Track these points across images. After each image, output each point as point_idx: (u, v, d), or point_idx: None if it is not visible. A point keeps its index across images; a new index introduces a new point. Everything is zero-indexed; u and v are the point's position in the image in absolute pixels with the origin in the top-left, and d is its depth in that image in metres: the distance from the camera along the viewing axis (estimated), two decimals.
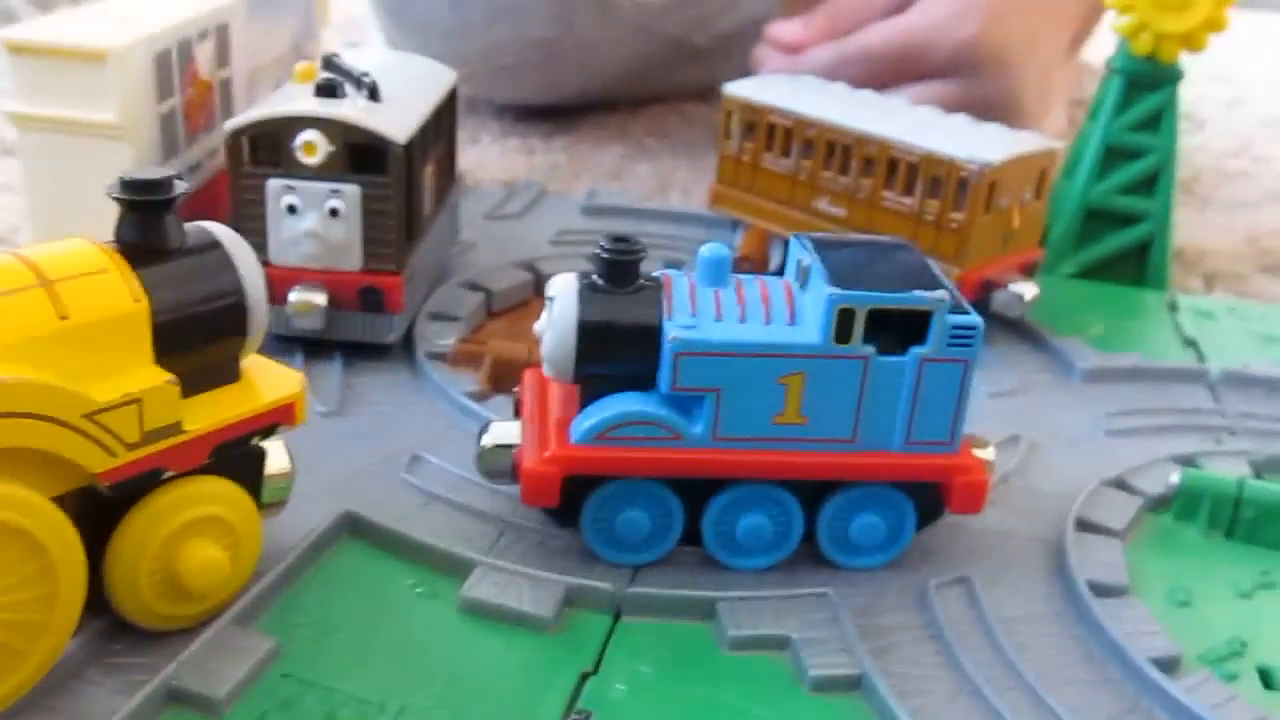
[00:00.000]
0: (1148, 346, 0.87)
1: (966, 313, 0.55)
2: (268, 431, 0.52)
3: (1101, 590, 0.58)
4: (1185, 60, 0.95)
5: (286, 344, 0.75)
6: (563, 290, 0.56)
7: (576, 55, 1.22)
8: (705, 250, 0.57)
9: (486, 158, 1.21)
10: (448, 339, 0.77)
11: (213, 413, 0.50)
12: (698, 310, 0.56)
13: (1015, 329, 0.86)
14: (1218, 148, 1.44)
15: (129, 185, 0.49)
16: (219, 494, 0.51)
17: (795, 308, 0.56)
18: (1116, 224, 0.99)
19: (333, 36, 1.11)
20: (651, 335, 0.55)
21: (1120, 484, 0.68)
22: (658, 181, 1.18)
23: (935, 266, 0.58)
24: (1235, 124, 1.55)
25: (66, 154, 0.76)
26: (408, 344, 0.77)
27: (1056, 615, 0.58)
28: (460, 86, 0.89)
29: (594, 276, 0.56)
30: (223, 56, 0.87)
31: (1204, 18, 0.92)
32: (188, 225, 0.52)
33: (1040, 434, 0.74)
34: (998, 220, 0.81)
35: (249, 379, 0.53)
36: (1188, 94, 0.97)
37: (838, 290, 0.54)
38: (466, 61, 1.21)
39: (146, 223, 0.49)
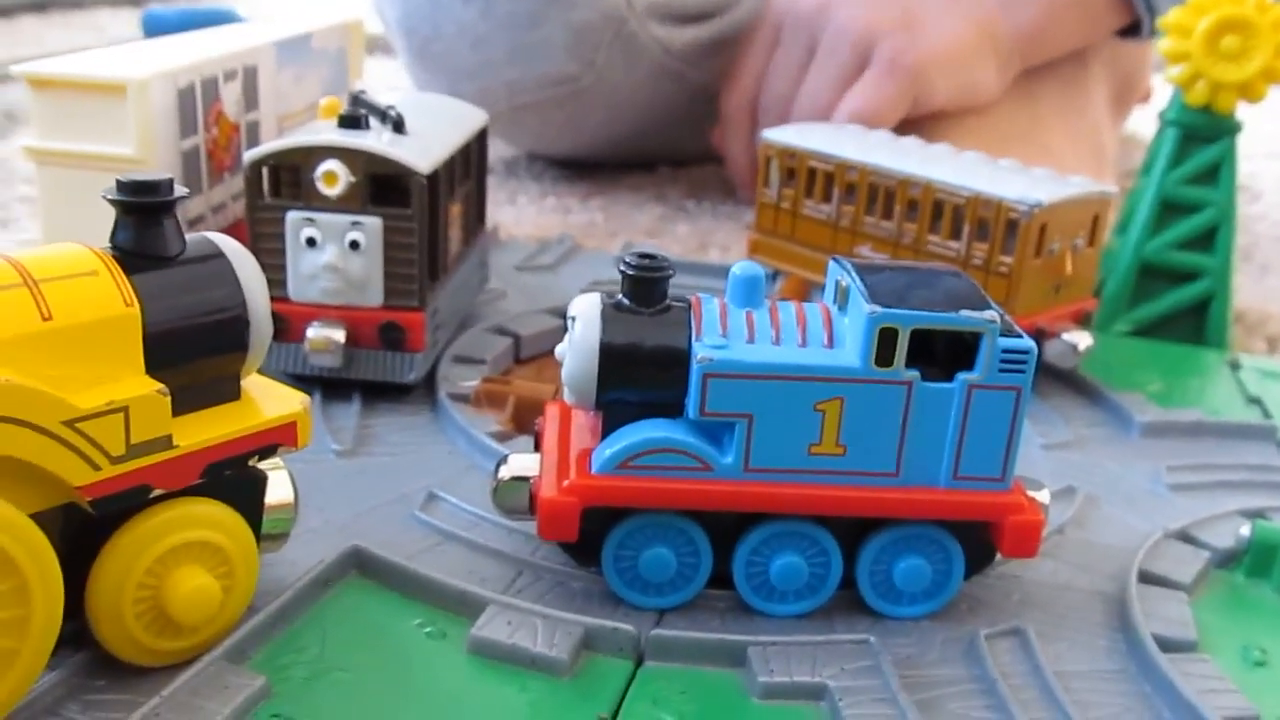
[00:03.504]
0: (1209, 404, 0.83)
1: (1019, 336, 0.51)
2: (266, 453, 0.49)
3: (1169, 645, 0.53)
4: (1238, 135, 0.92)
5: (304, 383, 0.72)
6: (584, 310, 0.53)
7: (600, 96, 1.20)
8: (737, 268, 0.53)
9: (522, 216, 1.19)
10: (471, 380, 0.74)
11: (206, 429, 0.47)
12: (729, 331, 0.52)
13: (1068, 381, 0.82)
14: (1277, 217, 1.40)
15: (125, 187, 0.46)
16: (213, 518, 0.47)
17: (833, 330, 0.52)
18: (1173, 281, 0.95)
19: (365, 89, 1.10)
20: (679, 358, 0.51)
21: (1185, 537, 0.63)
22: (697, 240, 1.15)
23: (983, 291, 0.54)
24: None
25: (84, 189, 0.74)
26: (429, 385, 0.74)
27: (1120, 672, 0.53)
28: (489, 133, 0.87)
29: (618, 297, 0.53)
30: (250, 99, 0.86)
31: (1262, 66, 0.88)
32: (190, 235, 0.49)
33: (1097, 487, 0.69)
34: (1049, 266, 0.77)
35: (249, 398, 0.50)
36: (1243, 168, 0.93)
37: (879, 309, 0.50)
38: (489, 101, 1.19)
39: (143, 227, 0.47)
